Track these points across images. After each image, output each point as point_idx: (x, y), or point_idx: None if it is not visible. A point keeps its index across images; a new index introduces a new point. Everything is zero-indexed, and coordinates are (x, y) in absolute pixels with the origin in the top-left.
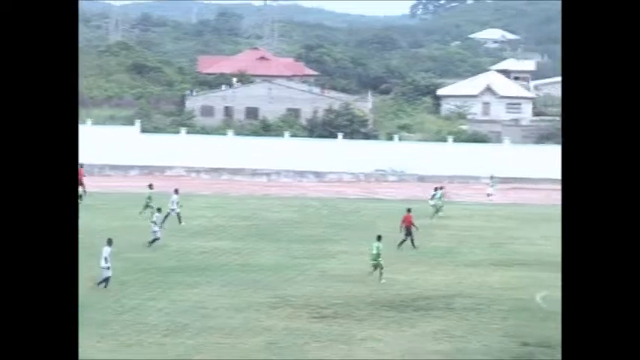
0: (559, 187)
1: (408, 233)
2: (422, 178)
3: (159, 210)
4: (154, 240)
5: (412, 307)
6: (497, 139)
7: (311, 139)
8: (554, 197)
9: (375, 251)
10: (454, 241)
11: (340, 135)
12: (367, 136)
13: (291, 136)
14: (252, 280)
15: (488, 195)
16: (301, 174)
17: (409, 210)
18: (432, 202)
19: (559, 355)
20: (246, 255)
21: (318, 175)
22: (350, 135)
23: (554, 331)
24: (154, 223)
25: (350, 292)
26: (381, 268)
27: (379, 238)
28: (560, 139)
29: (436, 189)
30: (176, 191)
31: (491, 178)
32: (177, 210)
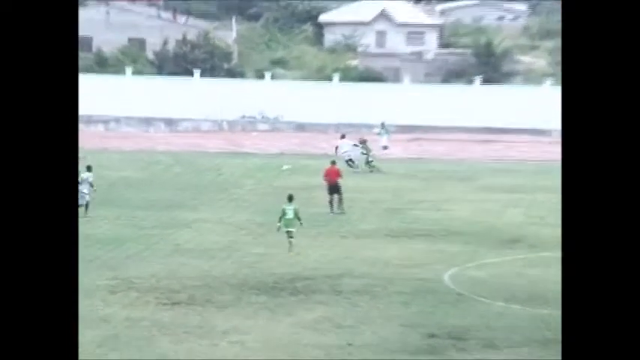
0: (470, 137)
1: (335, 190)
2: (301, 127)
3: (89, 169)
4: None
5: (288, 290)
6: (395, 77)
7: (160, 77)
8: (463, 150)
9: (291, 215)
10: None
11: (197, 72)
12: (231, 74)
13: (135, 73)
14: (86, 256)
15: (384, 148)
16: (148, 122)
17: (333, 162)
18: (346, 156)
19: (472, 348)
20: (79, 224)
21: (169, 123)
22: (209, 72)
23: (465, 318)
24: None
25: (210, 271)
26: (291, 237)
27: (291, 198)
28: (472, 77)
29: (360, 142)
30: None
31: (382, 126)
32: None
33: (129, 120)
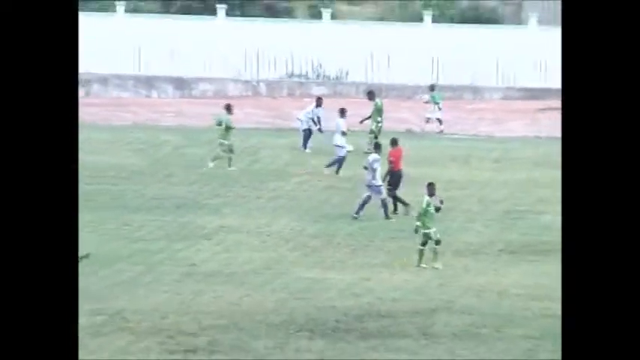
0: None
1: (394, 183)
2: (375, 89)
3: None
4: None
5: (357, 331)
6: (514, 16)
7: (165, 16)
8: None
9: (433, 208)
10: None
11: (222, 9)
12: (272, 11)
13: (129, 11)
14: None
15: (428, 120)
16: (149, 83)
17: (394, 141)
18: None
19: None
20: None
21: (180, 84)
22: (239, 9)
23: None
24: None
25: (240, 304)
26: (437, 243)
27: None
28: None
29: None
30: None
31: (431, 88)
32: None
33: (121, 80)
